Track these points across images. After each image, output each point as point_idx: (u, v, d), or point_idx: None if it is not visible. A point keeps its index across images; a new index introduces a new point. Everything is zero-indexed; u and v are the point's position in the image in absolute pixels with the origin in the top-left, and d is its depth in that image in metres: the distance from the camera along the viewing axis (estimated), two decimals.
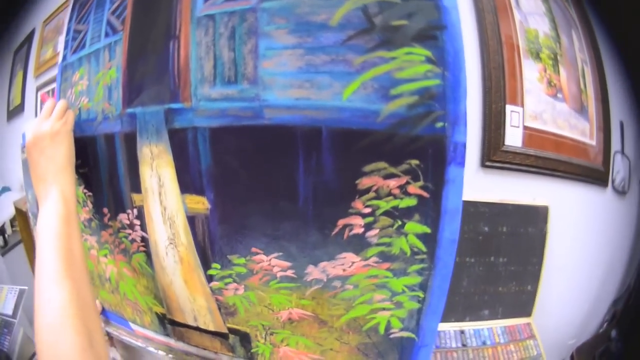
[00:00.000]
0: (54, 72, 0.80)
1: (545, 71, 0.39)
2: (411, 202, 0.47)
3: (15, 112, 1.01)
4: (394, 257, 0.50)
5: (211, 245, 0.59)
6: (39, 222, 0.48)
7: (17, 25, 0.99)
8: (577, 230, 0.48)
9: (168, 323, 0.68)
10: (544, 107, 0.39)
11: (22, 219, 1.03)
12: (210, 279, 0.61)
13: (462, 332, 0.45)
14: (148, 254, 0.66)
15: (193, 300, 0.63)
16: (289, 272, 0.55)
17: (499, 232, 0.39)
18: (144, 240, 0.66)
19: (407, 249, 0.50)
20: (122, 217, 0.68)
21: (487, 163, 0.39)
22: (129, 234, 0.68)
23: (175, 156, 0.60)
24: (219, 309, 0.62)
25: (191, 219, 0.60)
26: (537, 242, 0.41)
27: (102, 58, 0.69)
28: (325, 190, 0.51)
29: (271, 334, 0.59)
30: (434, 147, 0.44)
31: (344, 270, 0.53)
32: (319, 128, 0.49)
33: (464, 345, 0.46)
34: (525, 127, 0.37)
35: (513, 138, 0.37)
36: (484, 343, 0.44)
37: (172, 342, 0.69)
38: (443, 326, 0.48)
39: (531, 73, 0.38)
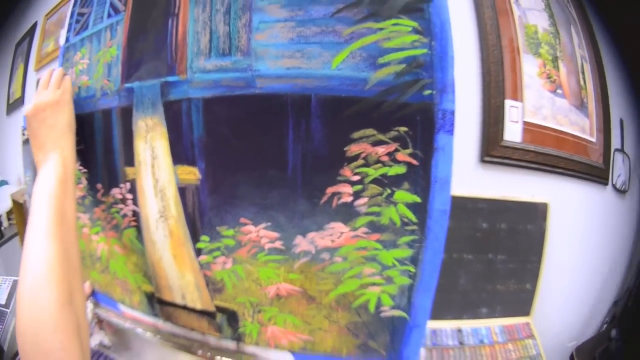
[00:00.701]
0: (55, 65, 0.82)
1: (544, 66, 0.39)
2: (400, 169, 0.47)
3: (15, 105, 1.02)
4: (384, 227, 0.49)
5: (201, 216, 0.58)
6: (36, 183, 0.49)
7: (19, 18, 1.02)
8: (577, 229, 0.47)
9: (157, 302, 0.67)
10: (544, 102, 0.38)
11: (19, 212, 1.04)
12: (199, 252, 0.60)
13: (459, 330, 0.44)
14: (139, 229, 0.66)
15: (182, 276, 0.62)
16: (277, 244, 0.54)
17: (498, 228, 0.38)
18: (136, 214, 0.66)
19: (397, 219, 0.48)
20: (115, 191, 0.68)
21: (486, 158, 0.38)
22: (121, 209, 0.68)
23: (169, 127, 0.60)
24: (207, 285, 0.60)
25: (182, 190, 0.60)
26: (537, 240, 0.40)
27: (104, 37, 0.71)
28: (314, 157, 0.51)
29: (259, 311, 0.57)
30: (422, 115, 0.45)
31: (332, 241, 0.52)
32: (308, 96, 0.50)
33: (460, 343, 0.44)
34: (524, 123, 0.37)
35: (512, 133, 0.37)
36: (481, 341, 0.43)
37: (159, 323, 0.67)
38: (440, 324, 0.47)
39: (531, 68, 0.38)
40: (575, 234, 0.46)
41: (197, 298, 0.62)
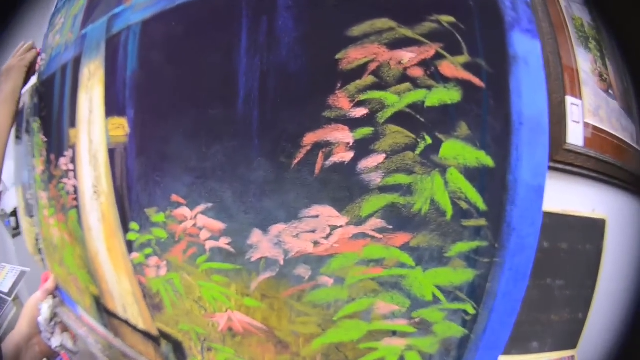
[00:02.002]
0: None
1: (595, 63, 0.36)
2: (450, 94, 0.25)
3: None
4: (418, 220, 0.26)
5: (129, 191, 0.40)
6: None
7: None
8: (631, 250, 0.39)
9: (104, 311, 0.50)
10: (601, 102, 0.35)
11: None
12: (130, 247, 0.40)
13: None
14: (79, 211, 0.49)
15: (119, 280, 0.44)
16: (224, 242, 0.31)
17: (559, 248, 0.31)
18: (76, 191, 0.49)
19: (447, 202, 0.25)
20: (62, 162, 0.53)
21: (549, 164, 0.29)
22: (65, 184, 0.52)
23: (107, 68, 0.45)
24: (144, 297, 0.40)
25: (111, 154, 0.42)
26: (593, 262, 0.35)
27: None
28: (280, 77, 0.27)
29: (209, 349, 0.35)
30: None
31: (315, 243, 0.27)
32: None
33: None
34: (585, 124, 0.33)
35: (575, 136, 0.32)
36: None
37: (111, 337, 0.50)
38: None
39: (585, 63, 0.34)
40: (627, 256, 0.39)
41: (137, 314, 0.43)
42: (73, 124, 0.50)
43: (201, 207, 0.32)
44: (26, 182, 0.75)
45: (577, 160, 0.33)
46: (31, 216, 0.74)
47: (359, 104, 0.26)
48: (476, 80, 0.25)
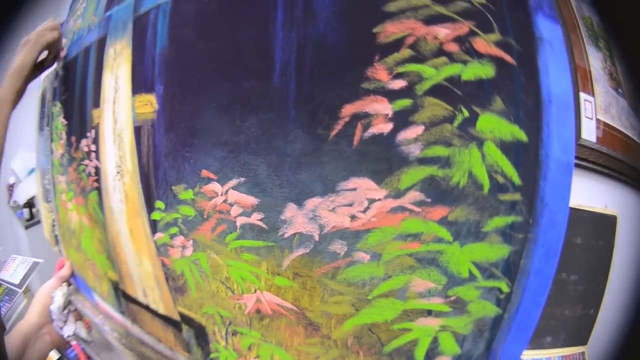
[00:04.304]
0: None
1: (605, 62, 0.38)
2: (484, 69, 0.27)
3: None
4: (456, 193, 0.27)
5: (155, 168, 0.42)
6: None
7: None
8: (635, 246, 0.41)
9: (122, 296, 0.52)
10: (611, 100, 0.38)
11: None
12: (154, 227, 0.42)
13: None
14: (100, 193, 0.52)
15: (140, 262, 0.46)
16: (256, 218, 0.33)
17: (574, 243, 0.33)
18: (98, 172, 0.52)
19: (484, 175, 0.26)
20: (83, 143, 0.56)
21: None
22: (86, 166, 0.55)
23: (134, 46, 0.48)
24: (167, 279, 0.42)
25: (137, 132, 0.44)
26: (605, 258, 0.37)
27: None
28: (318, 49, 0.30)
29: (233, 333, 0.37)
30: None
31: (352, 217, 0.28)
32: None
33: None
34: (597, 120, 0.35)
35: (588, 131, 0.34)
36: None
37: (128, 324, 0.53)
38: None
39: (595, 61, 0.37)
40: (633, 254, 0.41)
41: (158, 298, 0.45)
42: (97, 104, 0.53)
43: (233, 182, 0.33)
44: (44, 166, 0.79)
45: (591, 155, 0.34)
46: (48, 202, 0.78)
47: (398, 76, 0.28)
48: (508, 58, 0.26)
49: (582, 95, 0.35)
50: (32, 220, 1.10)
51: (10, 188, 1.23)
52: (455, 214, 0.27)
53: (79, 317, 0.68)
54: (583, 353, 0.39)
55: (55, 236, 0.75)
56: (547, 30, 0.27)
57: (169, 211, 0.40)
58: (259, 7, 0.33)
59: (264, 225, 0.32)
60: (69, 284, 0.69)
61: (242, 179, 0.33)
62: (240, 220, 0.34)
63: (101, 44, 0.55)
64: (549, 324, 0.35)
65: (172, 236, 0.40)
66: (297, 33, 0.30)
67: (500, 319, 0.27)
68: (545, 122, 0.26)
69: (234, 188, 0.33)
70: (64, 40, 0.70)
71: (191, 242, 0.38)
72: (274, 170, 0.31)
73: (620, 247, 0.40)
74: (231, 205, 0.34)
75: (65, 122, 0.65)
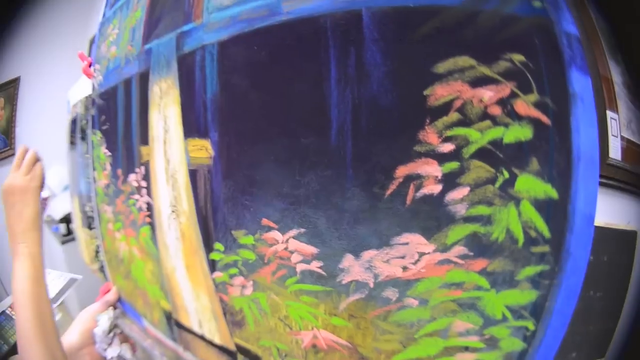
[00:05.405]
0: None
1: (624, 75, 0.40)
2: (523, 132, 0.31)
3: None
4: (495, 247, 0.33)
5: (214, 212, 0.49)
6: (13, 278, 0.59)
7: None
8: None
9: (175, 325, 0.60)
10: (631, 115, 0.40)
11: None
12: (213, 266, 0.50)
13: None
14: (153, 228, 0.60)
15: (197, 297, 0.54)
16: (315, 266, 0.40)
17: (601, 261, 0.37)
18: (150, 208, 0.60)
19: (519, 231, 0.32)
20: (132, 178, 0.65)
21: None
22: (137, 200, 0.64)
23: (182, 88, 0.54)
24: (224, 314, 0.50)
25: (193, 175, 0.52)
26: (626, 273, 0.40)
27: (132, 3, 0.72)
28: (372, 110, 0.36)
29: None
30: (542, 36, 0.31)
31: (404, 268, 0.35)
32: (357, 11, 0.36)
33: None
34: (622, 138, 0.38)
35: (614, 150, 0.37)
36: None
37: (180, 350, 0.61)
38: None
39: (617, 76, 0.39)
40: None
41: (214, 329, 0.53)
42: (144, 141, 0.62)
43: (293, 232, 0.41)
44: (84, 193, 0.89)
45: (617, 174, 0.37)
46: (91, 228, 0.88)
47: (447, 139, 0.34)
48: (544, 119, 0.31)
49: (609, 114, 0.38)
50: (68, 236, 1.22)
51: (44, 202, 1.37)
52: (493, 265, 0.33)
53: (125, 339, 0.78)
54: None
55: (100, 262, 0.85)
56: (579, 84, 0.31)
57: (228, 253, 0.48)
58: (311, 61, 0.39)
59: (323, 273, 0.39)
60: (115, 308, 0.79)
61: (302, 230, 0.40)
62: (300, 267, 0.41)
63: (143, 79, 0.63)
64: (575, 340, 0.38)
65: (231, 276, 0.48)
66: (352, 92, 0.36)
67: (525, 353, 0.33)
68: (574, 179, 0.31)
69: (294, 237, 0.41)
70: (97, 65, 0.79)
71: (251, 282, 0.46)
72: (333, 223, 0.38)
73: (638, 261, 0.43)
74: (291, 252, 0.41)
75: (109, 154, 0.74)
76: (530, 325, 0.33)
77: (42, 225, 0.65)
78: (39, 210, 0.64)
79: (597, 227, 0.35)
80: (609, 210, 0.38)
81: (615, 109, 0.39)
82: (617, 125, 0.39)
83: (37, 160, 0.66)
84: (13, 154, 1.21)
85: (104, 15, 0.84)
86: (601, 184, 0.34)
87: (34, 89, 1.52)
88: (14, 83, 1.50)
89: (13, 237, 0.62)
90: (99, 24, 0.85)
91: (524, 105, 0.32)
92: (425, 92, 0.34)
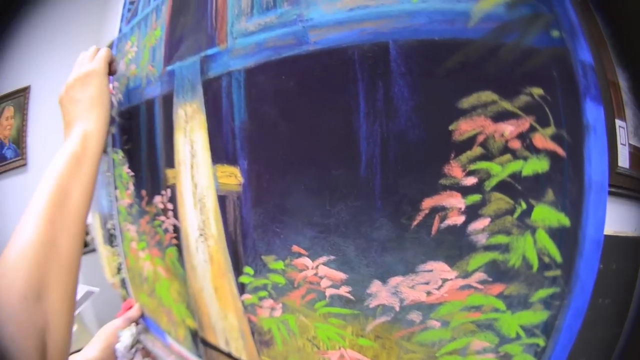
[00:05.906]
0: None
1: (629, 81, 0.40)
2: (541, 165, 0.34)
3: None
4: (512, 273, 0.36)
5: (243, 238, 0.53)
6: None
7: None
8: None
9: (200, 342, 0.65)
10: (637, 122, 0.41)
11: None
12: (242, 289, 0.54)
13: None
14: (180, 249, 0.65)
15: (224, 316, 0.59)
16: (344, 291, 0.44)
17: (610, 269, 0.38)
18: (177, 230, 0.65)
19: (534, 257, 0.35)
20: (157, 200, 0.69)
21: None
22: (163, 222, 0.68)
23: (209, 113, 0.58)
24: (252, 334, 0.55)
25: (222, 201, 0.56)
26: (632, 279, 0.41)
27: (150, 20, 0.76)
28: (400, 144, 0.40)
29: None
30: (559, 68, 0.34)
31: (428, 293, 0.39)
32: (384, 44, 0.40)
33: None
34: (630, 145, 0.39)
35: (624, 158, 0.38)
36: None
37: None
38: None
39: (623, 82, 0.39)
40: None
41: (242, 347, 0.57)
42: (170, 164, 0.66)
43: (323, 259, 0.45)
44: (106, 211, 0.95)
45: (625, 182, 0.38)
46: (113, 246, 0.94)
47: (470, 173, 0.37)
48: (560, 151, 0.33)
49: (617, 122, 0.39)
50: (87, 248, 1.28)
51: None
52: (509, 289, 0.36)
53: (147, 354, 0.83)
54: None
55: (122, 279, 0.90)
56: (593, 115, 0.33)
57: (258, 277, 0.52)
58: (340, 93, 0.43)
59: (351, 297, 0.44)
60: (137, 323, 0.84)
61: (332, 257, 0.44)
62: (330, 292, 0.45)
63: (167, 101, 0.67)
64: (584, 347, 0.39)
65: (260, 298, 0.52)
66: (380, 126, 0.40)
67: None
68: (585, 207, 0.33)
69: (324, 264, 0.45)
70: (115, 83, 0.83)
71: (280, 305, 0.50)
72: (362, 252, 0.42)
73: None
74: (321, 278, 0.45)
75: (132, 174, 0.79)
76: (541, 342, 0.36)
77: (110, 106, 0.60)
78: (103, 90, 0.60)
79: (606, 236, 0.37)
80: (618, 219, 0.40)
81: (623, 117, 0.40)
82: (625, 133, 0.40)
83: (97, 51, 0.65)
84: (24, 164, 1.27)
85: (120, 30, 0.88)
86: (610, 193, 0.36)
87: (45, 98, 1.57)
88: (24, 92, 1.56)
89: (69, 127, 0.57)
90: (114, 40, 0.90)
91: (542, 139, 0.36)
92: (451, 127, 0.37)
